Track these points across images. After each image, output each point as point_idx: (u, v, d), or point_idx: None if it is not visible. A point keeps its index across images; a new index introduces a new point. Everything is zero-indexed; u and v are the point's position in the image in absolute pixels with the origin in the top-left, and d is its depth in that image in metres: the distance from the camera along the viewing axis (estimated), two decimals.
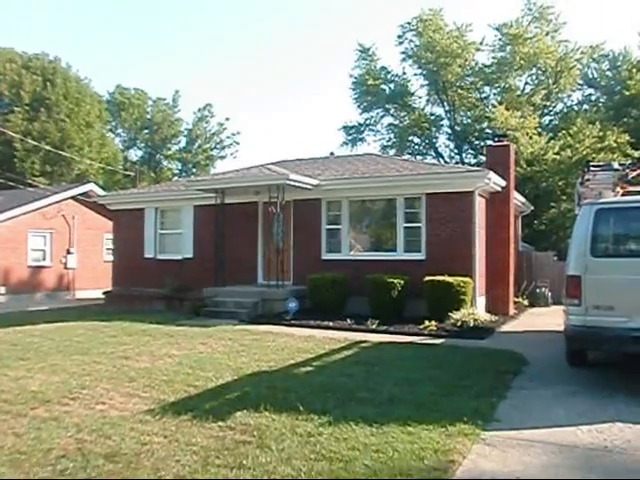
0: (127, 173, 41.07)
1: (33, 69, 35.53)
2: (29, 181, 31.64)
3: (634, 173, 9.80)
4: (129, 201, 18.44)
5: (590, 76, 32.53)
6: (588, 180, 9.65)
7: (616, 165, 10.12)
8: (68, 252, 22.29)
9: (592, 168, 9.82)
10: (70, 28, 66.68)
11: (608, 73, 32.07)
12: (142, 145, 48.34)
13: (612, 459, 4.66)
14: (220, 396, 6.41)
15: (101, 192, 23.00)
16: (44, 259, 21.72)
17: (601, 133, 24.00)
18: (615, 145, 23.74)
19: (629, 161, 14.37)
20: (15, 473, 4.32)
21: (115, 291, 18.01)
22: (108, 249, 21.99)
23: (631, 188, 9.77)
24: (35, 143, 32.66)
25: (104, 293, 18.34)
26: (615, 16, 55.00)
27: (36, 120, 34.11)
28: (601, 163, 11.53)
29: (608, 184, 9.59)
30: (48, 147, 33.05)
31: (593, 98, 32.56)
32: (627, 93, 27.69)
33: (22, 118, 33.95)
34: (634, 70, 28.28)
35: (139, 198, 18.26)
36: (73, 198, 22.60)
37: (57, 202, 21.99)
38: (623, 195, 9.35)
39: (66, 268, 22.29)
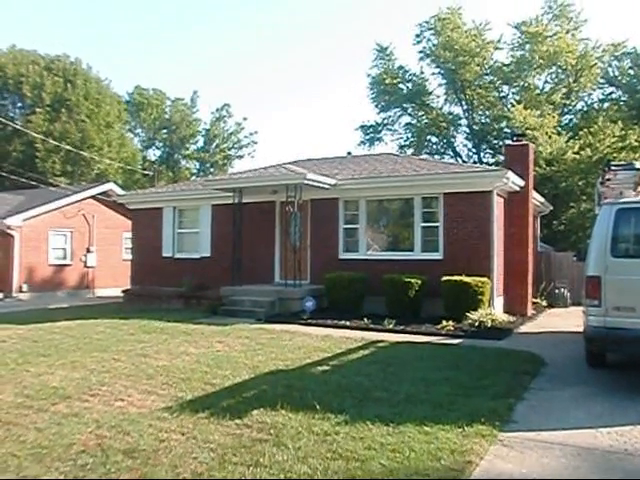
0: (146, 173, 41.46)
1: (55, 71, 36.04)
2: (50, 181, 32.11)
3: None
4: (147, 200, 18.59)
5: (611, 74, 32.00)
6: (609, 180, 9.51)
7: (638, 165, 9.95)
8: (88, 251, 22.58)
9: (613, 167, 9.67)
10: (91, 30, 67.51)
11: (630, 71, 31.50)
12: (160, 145, 48.78)
13: (632, 462, 4.60)
14: (237, 394, 6.45)
15: (120, 191, 23.24)
16: (65, 258, 22.03)
17: (622, 132, 23.67)
18: (637, 144, 23.43)
19: None
20: (37, 467, 4.40)
21: (134, 289, 18.17)
22: (127, 248, 22.20)
23: None
24: (56, 143, 33.12)
25: (123, 291, 18.52)
26: (638, 13, 54.14)
27: (57, 121, 34.61)
28: (622, 162, 11.35)
29: (629, 184, 9.43)
30: (69, 147, 33.49)
31: (614, 97, 32.04)
32: None
33: (43, 119, 34.46)
34: None
35: (157, 197, 18.40)
36: (93, 197, 22.89)
37: (77, 201, 22.29)
38: None
39: (86, 266, 22.57)
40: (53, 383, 6.96)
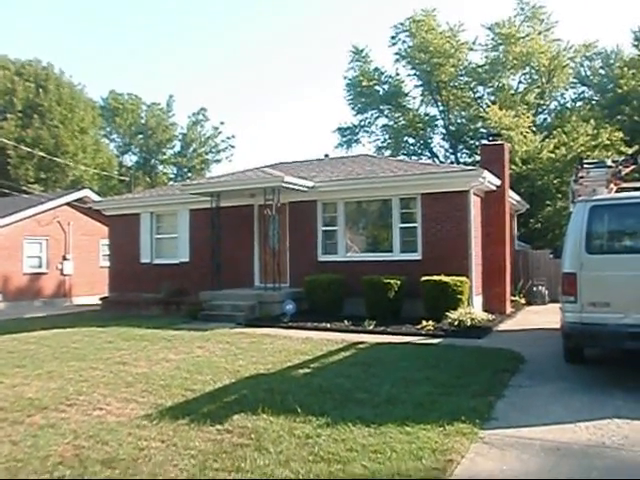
0: (122, 178, 41.02)
1: (26, 76, 35.44)
2: (24, 188, 31.54)
3: (627, 170, 9.81)
4: (124, 206, 18.41)
5: (583, 74, 32.62)
6: (582, 177, 9.65)
7: (609, 162, 10.13)
8: (64, 258, 22.24)
9: (586, 165, 9.83)
10: (63, 34, 66.67)
11: (601, 71, 32.17)
12: (137, 150, 48.28)
13: (610, 455, 4.67)
14: (218, 399, 6.40)
15: (96, 198, 22.94)
16: (40, 266, 21.67)
17: (595, 131, 24.04)
18: (609, 142, 23.77)
19: (622, 158, 14.39)
20: None
21: (112, 297, 17.96)
22: (104, 255, 21.94)
23: (625, 185, 9.80)
24: (29, 150, 32.57)
25: (101, 299, 18.29)
26: (607, 14, 55.24)
27: (29, 127, 34.03)
28: (595, 160, 11.55)
29: (602, 181, 9.58)
30: (42, 154, 32.97)
31: (586, 96, 32.66)
32: (619, 91, 27.76)
33: (15, 125, 33.86)
34: (626, 68, 28.35)
35: (134, 203, 18.22)
36: (68, 204, 22.55)
37: (52, 209, 21.95)
38: (617, 192, 9.37)
39: (62, 274, 22.23)
40: (29, 394, 6.83)
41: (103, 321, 14.11)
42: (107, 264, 19.24)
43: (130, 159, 48.67)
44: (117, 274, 18.04)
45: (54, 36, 65.29)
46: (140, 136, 47.38)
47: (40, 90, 35.05)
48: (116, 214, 18.50)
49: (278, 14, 68.60)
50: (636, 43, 30.91)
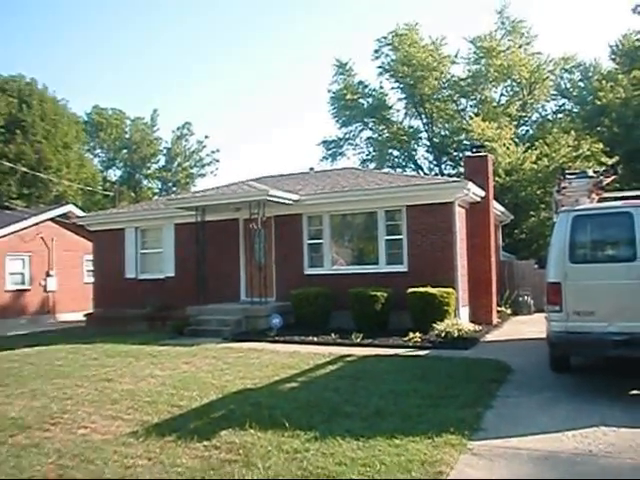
0: (106, 193, 40.79)
1: (9, 91, 35.29)
2: (6, 204, 31.24)
3: (608, 180, 9.99)
4: (109, 221, 18.28)
5: (563, 87, 33.23)
6: (564, 188, 9.80)
7: (591, 172, 10.29)
8: (48, 275, 21.99)
9: (568, 176, 9.98)
10: (46, 49, 66.40)
11: (580, 84, 32.78)
12: (121, 165, 48.12)
13: (597, 463, 4.70)
14: (205, 415, 6.35)
15: (80, 213, 22.76)
16: (23, 282, 21.38)
17: (576, 142, 24.40)
18: (589, 153, 24.14)
19: (603, 168, 14.61)
20: None
21: (96, 313, 17.77)
22: (89, 270, 21.71)
23: (606, 194, 9.96)
24: (11, 165, 32.31)
25: (85, 315, 18.09)
26: (585, 28, 56.29)
27: (12, 142, 33.79)
28: (576, 171, 11.73)
29: (584, 191, 9.75)
30: (25, 169, 32.71)
31: (567, 108, 33.22)
32: (599, 103, 28.25)
33: None
34: (604, 81, 28.88)
35: (119, 218, 18.11)
36: (52, 220, 22.34)
37: (35, 224, 21.71)
38: (599, 202, 9.51)
39: (46, 291, 21.96)
40: (11, 413, 6.72)
41: (88, 337, 13.94)
42: (91, 280, 19.05)
43: (114, 174, 48.55)
44: (102, 290, 17.87)
45: (37, 51, 65.04)
46: (124, 151, 47.25)
47: (23, 105, 34.90)
48: (100, 229, 18.37)
49: (262, 27, 69.06)
50: (613, 57, 31.59)
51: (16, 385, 8.39)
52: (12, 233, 20.87)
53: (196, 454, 5.06)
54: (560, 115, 32.37)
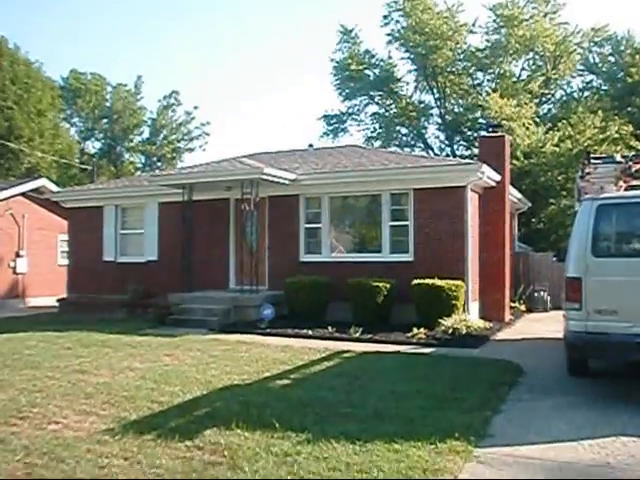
0: (84, 167, 40.67)
1: None
2: None
3: (638, 166, 9.94)
4: (86, 198, 18.25)
5: (591, 61, 32.96)
6: (589, 174, 9.77)
7: (619, 157, 10.25)
8: (17, 255, 21.95)
9: (593, 161, 9.95)
10: (18, 6, 65.76)
11: (610, 58, 32.52)
12: (101, 136, 47.90)
13: (615, 476, 4.72)
14: (187, 413, 6.37)
15: (55, 188, 22.66)
16: None
17: (603, 123, 24.33)
18: (618, 136, 24.07)
19: (632, 153, 14.57)
20: None
21: (71, 298, 17.79)
22: (63, 252, 21.69)
23: (635, 182, 9.91)
24: None
25: (58, 300, 18.10)
26: None
27: None
28: (603, 155, 11.70)
29: (610, 178, 9.71)
30: None
31: (595, 85, 33.00)
32: (630, 80, 28.12)
33: None
34: (638, 56, 28.69)
35: (97, 195, 18.07)
36: (23, 195, 22.24)
37: (4, 199, 21.60)
38: (626, 189, 9.48)
39: (15, 273, 21.94)
40: None
41: (61, 325, 13.96)
42: (66, 262, 19.03)
43: (93, 146, 48.37)
44: (77, 273, 17.87)
45: (8, 9, 64.45)
46: (104, 120, 47.00)
47: None
48: (77, 206, 18.33)
49: None
50: None
51: None
52: None
53: (177, 455, 5.08)
54: (587, 93, 32.19)
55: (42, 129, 36.72)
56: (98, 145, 48.26)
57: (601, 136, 23.91)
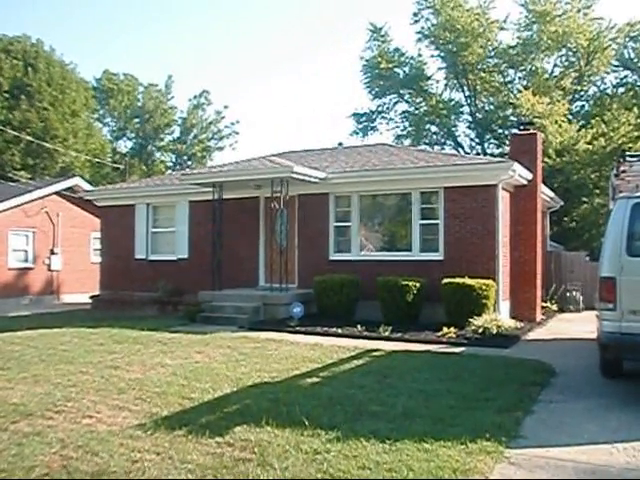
0: (116, 166, 41.26)
1: (13, 53, 35.70)
2: (9, 175, 31.85)
3: None
4: (118, 196, 18.51)
5: (627, 57, 32.26)
6: (624, 172, 9.57)
7: None
8: (52, 252, 22.40)
9: (628, 158, 9.74)
10: (53, 9, 66.99)
11: None
12: (132, 135, 48.56)
13: None
14: (218, 409, 6.43)
15: (88, 187, 23.10)
16: (26, 260, 21.82)
17: (638, 120, 23.87)
18: None
19: None
20: None
21: (103, 295, 18.09)
22: (96, 249, 22.07)
23: None
24: (15, 133, 32.83)
25: (91, 297, 18.42)
26: None
27: (16, 109, 34.29)
28: (638, 153, 11.43)
29: None
30: (29, 138, 33.21)
31: (630, 81, 32.28)
32: None
33: (1, 106, 34.15)
34: None
35: (129, 193, 18.32)
36: (57, 193, 22.70)
37: (40, 198, 22.09)
38: None
39: (50, 270, 22.40)
40: (13, 399, 6.89)
41: (94, 321, 14.21)
42: (99, 259, 19.36)
43: (125, 145, 49.04)
44: (109, 270, 18.16)
45: (44, 11, 65.68)
46: (136, 120, 47.62)
47: (29, 69, 35.32)
48: (109, 205, 18.62)
49: None
50: None
51: (18, 369, 8.60)
52: (16, 207, 21.27)
53: (208, 451, 5.13)
54: (621, 89, 31.51)
55: (76, 129, 37.40)
56: (130, 144, 48.97)
57: (636, 133, 23.47)
